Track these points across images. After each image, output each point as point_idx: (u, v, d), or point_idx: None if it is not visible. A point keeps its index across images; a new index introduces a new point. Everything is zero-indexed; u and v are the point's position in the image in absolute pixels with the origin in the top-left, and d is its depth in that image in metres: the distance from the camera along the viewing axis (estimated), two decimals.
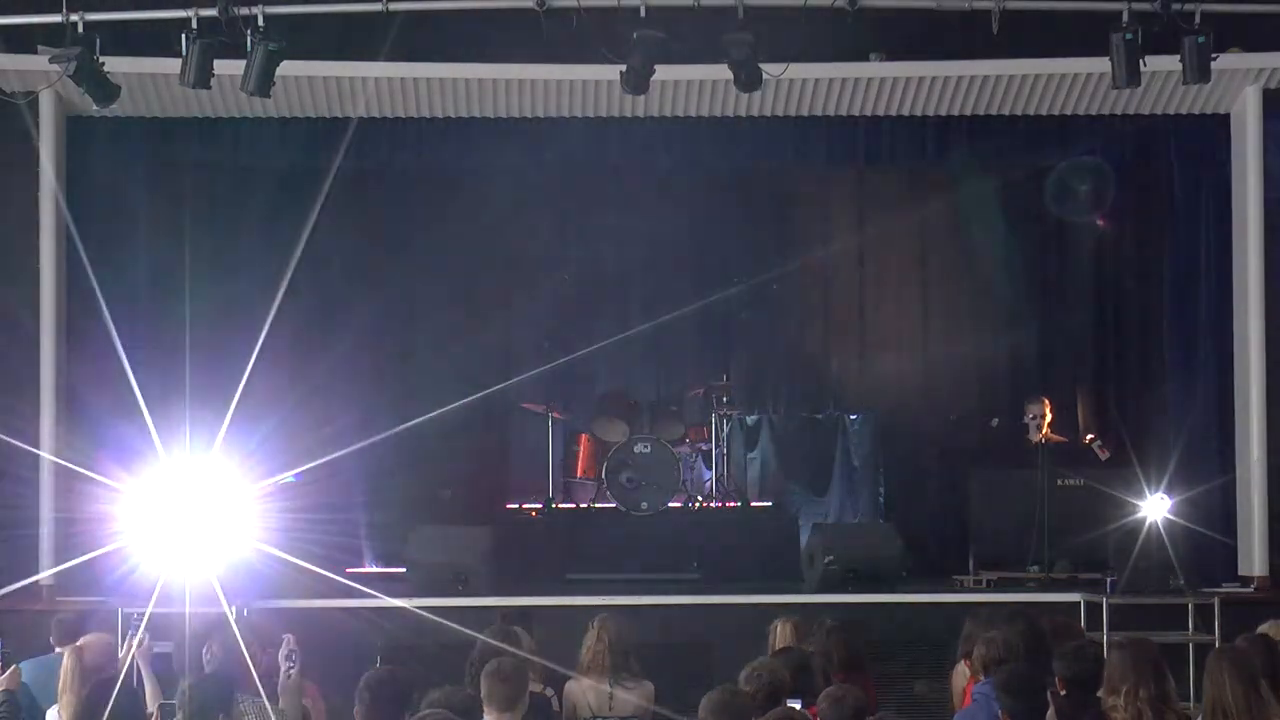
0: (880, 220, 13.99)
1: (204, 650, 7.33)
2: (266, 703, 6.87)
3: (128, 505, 9.91)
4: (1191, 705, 7.00)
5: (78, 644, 7.75)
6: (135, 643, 7.80)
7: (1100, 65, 10.58)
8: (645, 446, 12.58)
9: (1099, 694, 6.59)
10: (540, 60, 11.31)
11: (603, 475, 12.60)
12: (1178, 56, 10.15)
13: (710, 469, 13.19)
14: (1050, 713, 6.49)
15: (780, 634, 8.35)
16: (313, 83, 11.58)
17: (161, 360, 11.80)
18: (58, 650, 8.33)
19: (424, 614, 10.03)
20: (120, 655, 7.84)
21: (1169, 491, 11.02)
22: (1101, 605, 10.50)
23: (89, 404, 11.47)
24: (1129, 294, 13.15)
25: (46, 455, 11.17)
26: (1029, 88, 11.80)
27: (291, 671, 7.16)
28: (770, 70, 10.46)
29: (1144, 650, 6.46)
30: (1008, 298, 13.73)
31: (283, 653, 7.23)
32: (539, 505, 13.08)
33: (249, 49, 9.94)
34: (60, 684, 7.43)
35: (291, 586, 10.85)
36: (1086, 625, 10.29)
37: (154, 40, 10.70)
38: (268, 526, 10.82)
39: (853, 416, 13.64)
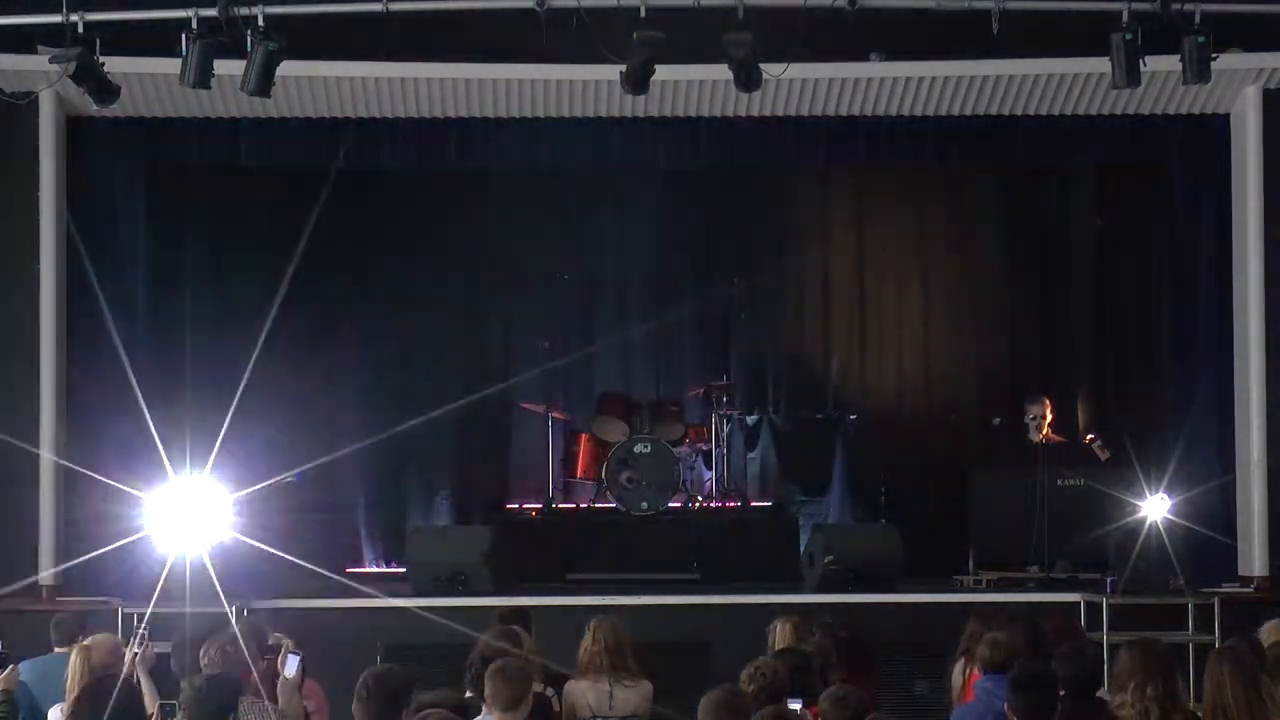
0: (880, 220, 13.99)
1: (201, 652, 7.32)
2: (267, 704, 6.86)
3: (128, 505, 9.93)
4: (1191, 704, 7.00)
5: (85, 643, 7.74)
6: (137, 650, 7.77)
7: (1100, 65, 10.57)
8: (645, 446, 12.57)
9: (1104, 693, 6.60)
10: (540, 60, 11.30)
11: (603, 475, 12.60)
12: (1178, 56, 10.14)
13: (710, 469, 13.18)
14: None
15: (780, 634, 8.34)
16: (313, 83, 11.58)
17: (161, 360, 11.82)
18: (57, 650, 8.33)
19: (424, 614, 10.03)
20: (126, 662, 7.82)
21: (1169, 491, 11.01)
22: (1101, 605, 10.50)
23: (89, 404, 11.48)
24: (1129, 294, 13.16)
25: (46, 455, 11.17)
26: (1029, 88, 11.80)
27: (290, 673, 7.15)
28: (770, 70, 10.45)
29: (1152, 649, 6.47)
30: (1008, 298, 13.73)
31: (281, 658, 7.23)
32: (539, 505, 13.07)
33: (249, 49, 9.93)
34: (68, 683, 7.42)
35: (291, 586, 10.86)
36: (1086, 625, 10.28)
37: (154, 40, 10.69)
38: (268, 526, 10.85)
39: (853, 416, 13.63)
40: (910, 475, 13.25)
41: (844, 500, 13.66)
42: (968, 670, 7.84)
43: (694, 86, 11.64)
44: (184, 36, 9.97)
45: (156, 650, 7.99)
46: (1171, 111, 12.03)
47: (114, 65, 10.40)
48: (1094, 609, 10.60)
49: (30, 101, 11.06)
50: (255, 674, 7.04)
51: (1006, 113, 12.05)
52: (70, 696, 7.33)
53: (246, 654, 7.19)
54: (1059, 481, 11.67)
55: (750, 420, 13.88)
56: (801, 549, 12.05)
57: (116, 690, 6.19)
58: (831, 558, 11.12)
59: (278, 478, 11.20)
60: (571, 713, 7.87)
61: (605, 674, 7.89)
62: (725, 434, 13.09)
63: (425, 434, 12.80)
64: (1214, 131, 12.10)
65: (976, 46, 11.31)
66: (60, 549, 11.14)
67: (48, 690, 7.78)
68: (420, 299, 13.64)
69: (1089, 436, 12.60)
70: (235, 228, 12.81)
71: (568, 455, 13.21)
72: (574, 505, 13.24)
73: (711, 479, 13.16)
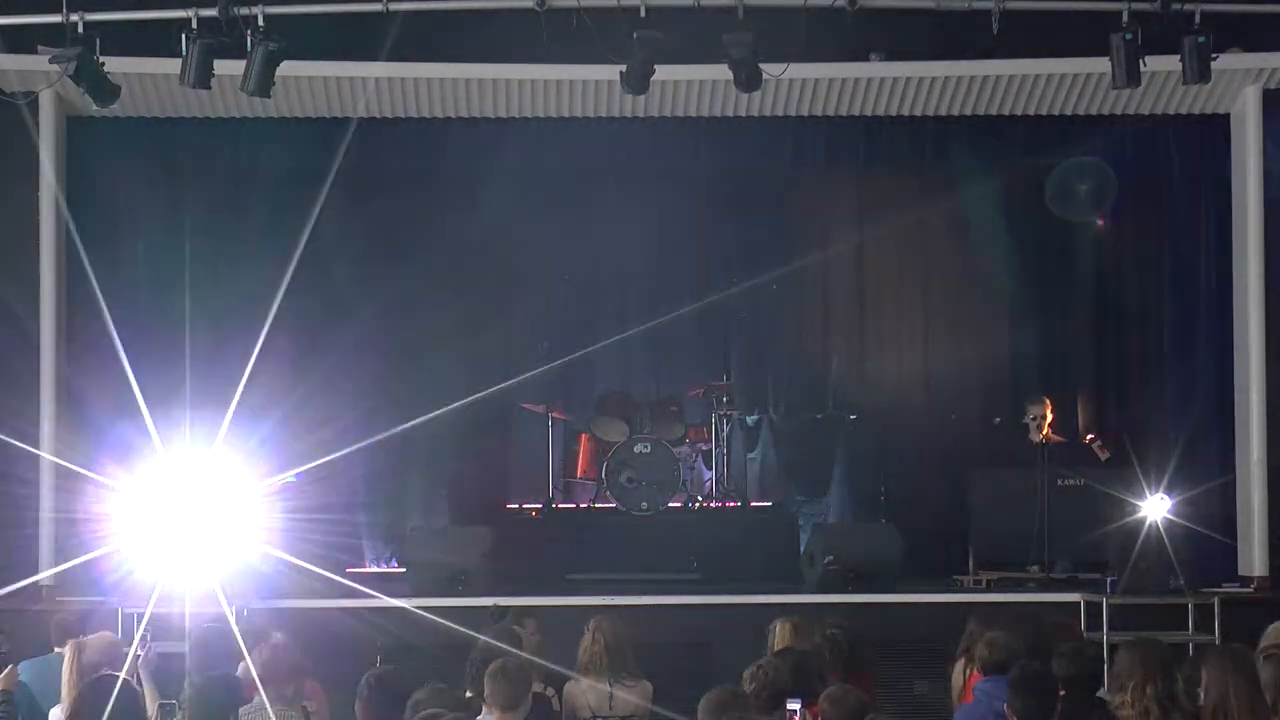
0: (880, 220, 13.97)
1: (255, 654, 7.28)
2: (268, 704, 6.86)
3: (128, 505, 9.92)
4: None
5: (79, 640, 7.74)
6: (140, 652, 7.77)
7: (1100, 65, 10.59)
8: (645, 446, 12.58)
9: (1104, 692, 6.61)
10: (540, 60, 11.31)
11: (603, 475, 12.60)
12: (1178, 56, 10.16)
13: (710, 469, 13.18)
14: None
15: (780, 634, 8.34)
16: (313, 83, 11.59)
17: (161, 360, 11.80)
18: (57, 650, 8.33)
19: (424, 614, 10.03)
20: (126, 663, 7.82)
21: (1169, 491, 11.00)
22: (1101, 605, 10.49)
23: (89, 404, 11.49)
24: (1129, 294, 13.16)
25: (46, 455, 11.17)
26: (1029, 88, 11.80)
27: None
28: (770, 70, 10.46)
29: (1152, 649, 6.47)
30: (1008, 298, 13.72)
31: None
32: (539, 505, 13.07)
33: (249, 49, 9.94)
34: (63, 681, 7.43)
35: (291, 586, 10.86)
36: (1086, 625, 10.29)
37: (154, 40, 10.70)
38: (268, 527, 10.84)
39: (853, 416, 13.61)
40: (910, 475, 13.24)
41: (844, 500, 13.65)
42: (968, 670, 7.85)
43: (694, 86, 11.65)
44: (184, 36, 9.98)
45: (159, 651, 7.99)
46: (1171, 111, 12.04)
47: (114, 65, 10.41)
48: (1094, 609, 10.59)
49: (30, 101, 11.06)
50: (255, 674, 7.03)
51: (1006, 113, 12.06)
52: (64, 695, 7.34)
53: (248, 654, 7.19)
54: (1059, 481, 11.68)
55: (750, 420, 13.87)
56: (801, 549, 12.05)
57: (116, 690, 6.19)
58: (831, 558, 11.12)
59: (278, 477, 11.20)
60: (571, 713, 7.88)
61: (605, 674, 7.91)
62: (725, 434, 13.09)
63: (425, 434, 12.78)
64: (1214, 131, 12.11)
65: (976, 46, 11.33)
66: (60, 549, 11.14)
67: (48, 690, 7.78)
68: (420, 299, 13.63)
69: (1089, 436, 12.60)
70: (235, 228, 12.80)
71: (568, 455, 13.21)
72: (574, 505, 13.23)
73: (711, 479, 13.16)
